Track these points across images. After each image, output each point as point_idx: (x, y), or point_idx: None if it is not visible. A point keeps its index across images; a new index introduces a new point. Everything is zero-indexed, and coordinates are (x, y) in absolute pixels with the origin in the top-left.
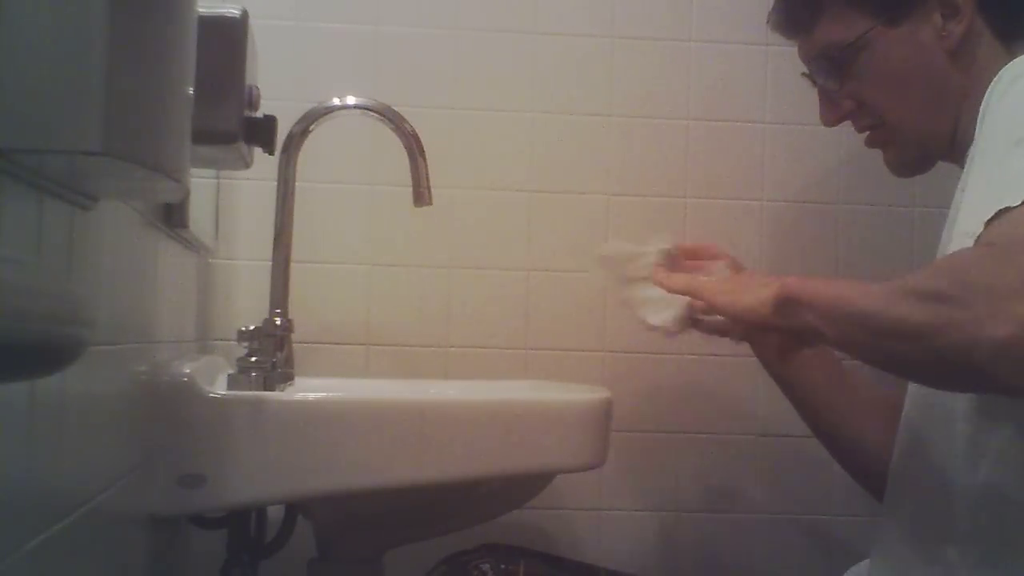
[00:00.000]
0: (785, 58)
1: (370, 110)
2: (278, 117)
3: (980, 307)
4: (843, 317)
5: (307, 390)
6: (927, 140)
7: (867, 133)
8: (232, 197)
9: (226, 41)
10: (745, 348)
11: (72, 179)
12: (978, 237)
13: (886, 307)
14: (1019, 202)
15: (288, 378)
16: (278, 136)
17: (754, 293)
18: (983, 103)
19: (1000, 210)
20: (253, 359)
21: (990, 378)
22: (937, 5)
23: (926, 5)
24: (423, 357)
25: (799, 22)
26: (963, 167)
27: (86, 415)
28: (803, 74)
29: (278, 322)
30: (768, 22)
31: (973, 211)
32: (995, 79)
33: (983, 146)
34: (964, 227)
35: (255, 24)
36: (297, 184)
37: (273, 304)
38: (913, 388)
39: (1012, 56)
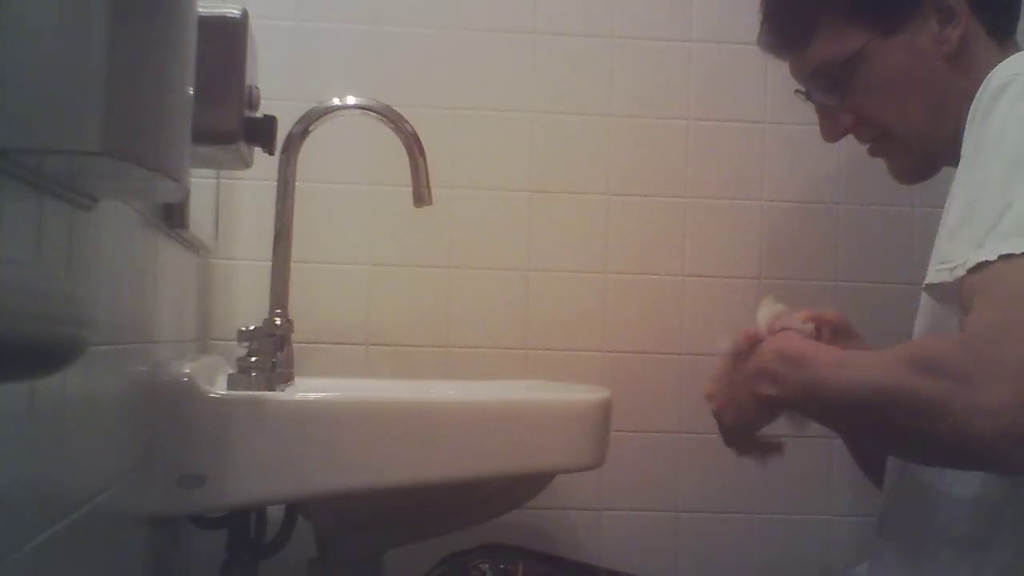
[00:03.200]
0: None
1: (370, 110)
2: (278, 117)
3: (988, 387)
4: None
5: (307, 390)
6: (932, 146)
7: (869, 143)
8: (232, 197)
9: (226, 41)
10: None
11: (72, 179)
12: (961, 283)
13: (899, 382)
14: (995, 257)
15: (288, 378)
16: (278, 136)
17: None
18: (969, 113)
19: (979, 263)
20: (253, 359)
21: (991, 457)
22: (933, 11)
23: (921, 12)
24: (423, 357)
25: (792, 41)
26: None
27: (86, 415)
28: (797, 92)
29: (278, 322)
30: (758, 43)
31: (951, 239)
32: (982, 87)
33: (966, 164)
34: (942, 255)
35: (255, 24)
36: (297, 184)
37: (273, 304)
38: None
39: (1005, 54)
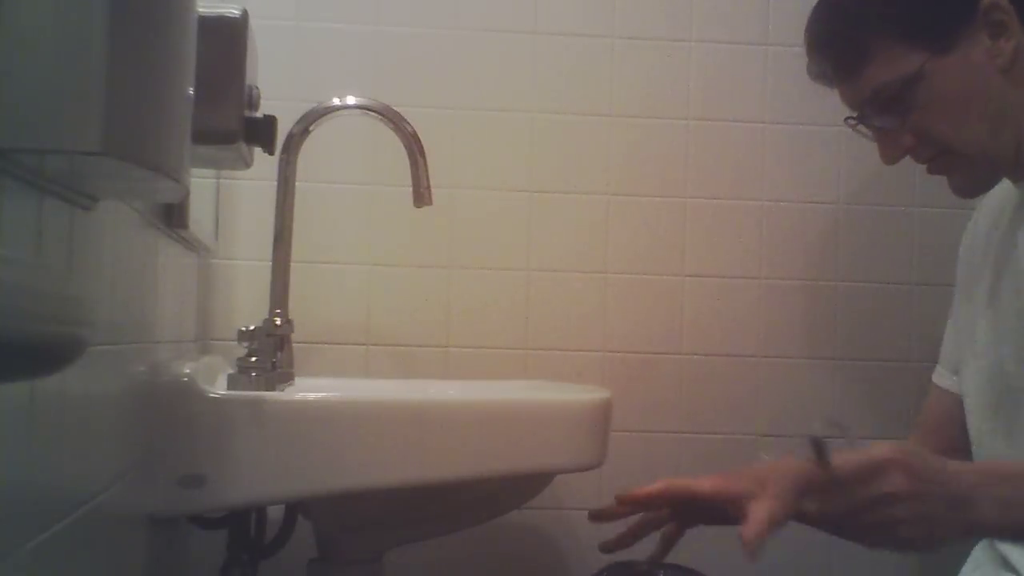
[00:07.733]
0: (785, 58)
1: (370, 110)
2: (278, 117)
3: None
4: None
5: (307, 390)
6: (995, 159)
7: (928, 162)
8: (232, 197)
9: (226, 41)
10: (743, 349)
11: (72, 179)
12: None
13: None
14: None
15: (288, 378)
16: (278, 136)
17: None
18: None
19: None
20: (253, 359)
21: None
22: (983, 26)
23: (972, 28)
24: (423, 357)
25: (846, 68)
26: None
27: (86, 415)
28: (848, 119)
29: (278, 322)
30: (808, 73)
31: None
32: None
33: None
34: None
35: (255, 24)
36: (297, 184)
37: (273, 304)
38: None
39: None
